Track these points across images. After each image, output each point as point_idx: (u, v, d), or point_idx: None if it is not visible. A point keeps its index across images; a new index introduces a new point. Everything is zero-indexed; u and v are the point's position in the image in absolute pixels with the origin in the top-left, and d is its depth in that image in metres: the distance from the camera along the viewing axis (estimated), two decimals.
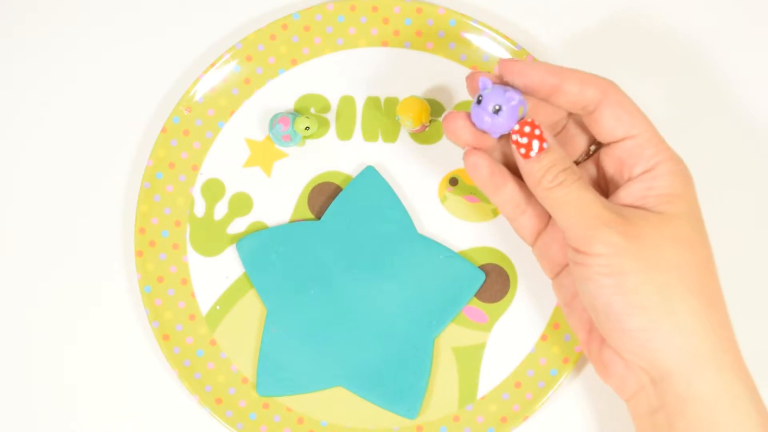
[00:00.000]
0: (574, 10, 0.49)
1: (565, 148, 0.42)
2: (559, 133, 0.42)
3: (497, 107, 0.37)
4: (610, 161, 0.40)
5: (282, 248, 0.47)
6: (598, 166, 0.41)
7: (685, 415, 0.37)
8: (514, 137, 0.38)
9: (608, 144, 0.40)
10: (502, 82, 0.39)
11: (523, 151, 0.38)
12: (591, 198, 0.37)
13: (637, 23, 0.49)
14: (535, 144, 0.37)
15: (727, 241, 0.43)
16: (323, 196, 0.48)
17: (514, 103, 0.37)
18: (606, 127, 0.39)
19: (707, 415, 0.36)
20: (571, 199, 0.37)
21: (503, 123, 0.37)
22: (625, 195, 0.39)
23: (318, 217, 0.48)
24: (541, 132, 0.37)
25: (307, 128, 0.47)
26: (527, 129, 0.37)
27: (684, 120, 0.48)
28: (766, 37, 0.49)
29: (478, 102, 0.38)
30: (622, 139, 0.39)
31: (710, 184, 0.43)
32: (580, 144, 0.42)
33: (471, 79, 0.40)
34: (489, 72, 0.42)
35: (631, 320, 0.36)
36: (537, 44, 0.49)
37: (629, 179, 0.39)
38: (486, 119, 0.37)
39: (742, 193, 0.48)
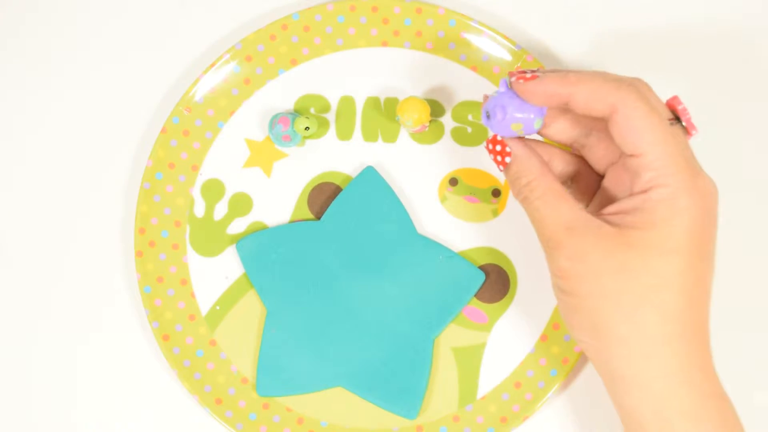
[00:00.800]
0: (574, 9, 0.49)
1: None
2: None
3: (539, 122, 0.39)
4: (622, 172, 0.40)
5: (282, 248, 0.47)
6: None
7: None
8: (489, 147, 0.40)
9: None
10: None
11: (498, 161, 0.40)
12: (549, 215, 0.38)
13: (637, 22, 0.49)
14: (499, 158, 0.40)
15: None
16: (323, 196, 0.48)
17: (531, 116, 0.39)
18: (617, 142, 0.38)
19: None
20: (531, 214, 0.39)
21: (527, 125, 0.39)
22: (617, 207, 0.38)
23: (318, 218, 0.48)
24: (503, 147, 0.39)
25: (307, 128, 0.47)
26: (492, 146, 0.40)
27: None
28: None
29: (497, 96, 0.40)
30: (630, 156, 0.38)
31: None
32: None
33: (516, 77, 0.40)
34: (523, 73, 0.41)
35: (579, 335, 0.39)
36: (537, 44, 0.49)
37: (629, 195, 0.38)
38: (506, 119, 0.39)
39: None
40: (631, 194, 0.38)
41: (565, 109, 0.40)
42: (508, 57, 0.47)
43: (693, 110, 0.48)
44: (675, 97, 0.38)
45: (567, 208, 0.38)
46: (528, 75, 0.39)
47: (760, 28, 0.49)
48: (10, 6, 0.51)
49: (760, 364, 0.48)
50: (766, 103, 0.49)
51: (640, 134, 0.37)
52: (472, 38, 0.48)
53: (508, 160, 0.40)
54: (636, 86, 0.38)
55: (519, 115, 0.39)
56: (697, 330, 0.37)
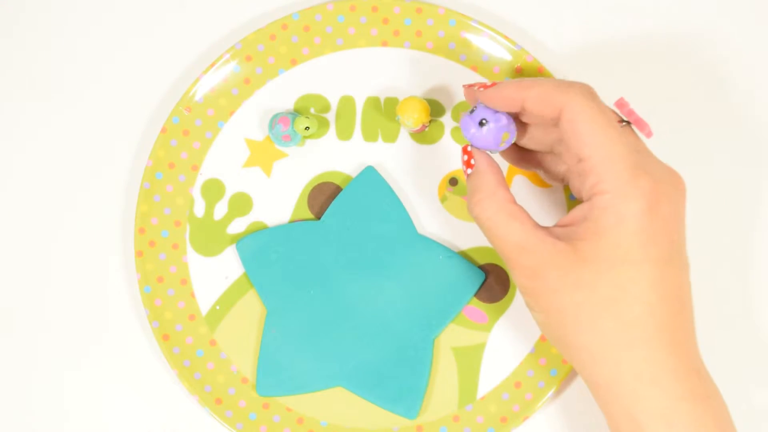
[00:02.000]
0: (574, 9, 0.49)
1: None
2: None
3: (484, 121, 0.40)
4: (576, 179, 0.39)
5: (282, 248, 0.47)
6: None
7: None
8: (463, 156, 0.41)
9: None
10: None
11: (464, 170, 0.41)
12: (500, 235, 0.39)
13: (637, 21, 0.49)
14: (464, 167, 0.41)
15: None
16: (323, 196, 0.48)
17: (501, 123, 0.40)
18: (563, 146, 0.38)
19: None
20: (484, 233, 0.40)
21: (485, 138, 0.40)
22: (566, 219, 0.38)
23: (318, 217, 0.48)
24: (468, 159, 0.41)
25: (307, 128, 0.47)
26: (463, 153, 0.41)
27: (679, 116, 0.49)
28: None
29: (471, 112, 0.41)
30: (578, 161, 0.38)
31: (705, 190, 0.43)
32: None
33: (467, 89, 0.42)
34: (485, 83, 0.42)
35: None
36: (537, 44, 0.49)
37: (579, 204, 0.38)
38: (471, 130, 0.40)
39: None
40: (581, 202, 0.38)
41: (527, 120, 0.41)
42: (508, 57, 0.47)
43: (695, 111, 0.49)
44: (620, 99, 0.38)
45: (517, 228, 0.38)
46: (488, 84, 0.40)
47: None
48: (10, 5, 0.51)
49: (760, 364, 0.48)
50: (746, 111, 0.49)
51: (584, 136, 0.37)
52: (472, 38, 0.48)
53: (468, 171, 0.41)
54: (584, 89, 0.38)
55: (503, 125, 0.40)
56: (666, 332, 0.37)
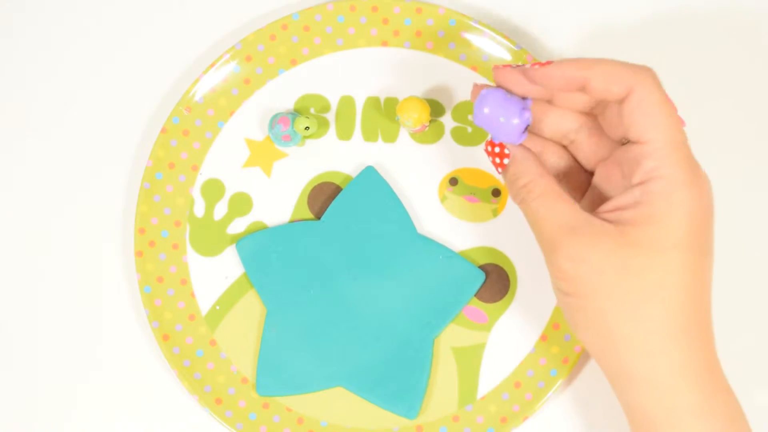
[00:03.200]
0: (574, 9, 0.49)
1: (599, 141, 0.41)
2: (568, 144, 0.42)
3: (502, 119, 0.39)
4: (614, 168, 0.39)
5: (282, 248, 0.47)
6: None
7: None
8: (488, 150, 0.40)
9: (628, 143, 0.38)
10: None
11: (497, 162, 0.41)
12: (548, 216, 0.38)
13: (637, 22, 0.49)
14: (498, 160, 0.40)
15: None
16: (323, 196, 0.48)
17: (524, 117, 0.39)
18: (624, 127, 0.38)
19: None
20: (529, 216, 0.39)
21: (510, 134, 0.39)
22: (614, 204, 0.38)
23: (318, 217, 0.48)
24: (501, 149, 0.40)
25: (307, 128, 0.47)
26: (490, 147, 0.40)
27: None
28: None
29: (482, 100, 0.39)
30: (636, 143, 0.37)
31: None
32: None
33: (503, 70, 0.40)
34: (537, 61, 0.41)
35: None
36: (537, 44, 0.49)
37: (628, 187, 0.38)
38: (500, 122, 0.39)
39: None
40: (630, 187, 0.37)
41: (553, 104, 0.41)
42: (508, 56, 0.47)
43: (698, 107, 0.49)
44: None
45: (566, 209, 0.38)
46: (541, 62, 0.39)
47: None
48: (10, 5, 0.51)
49: (761, 364, 0.48)
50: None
51: (652, 119, 0.36)
52: (472, 38, 0.48)
53: (506, 161, 0.40)
54: (654, 73, 0.37)
55: (521, 118, 0.39)
56: (700, 325, 0.37)
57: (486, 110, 0.39)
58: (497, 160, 0.40)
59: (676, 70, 0.49)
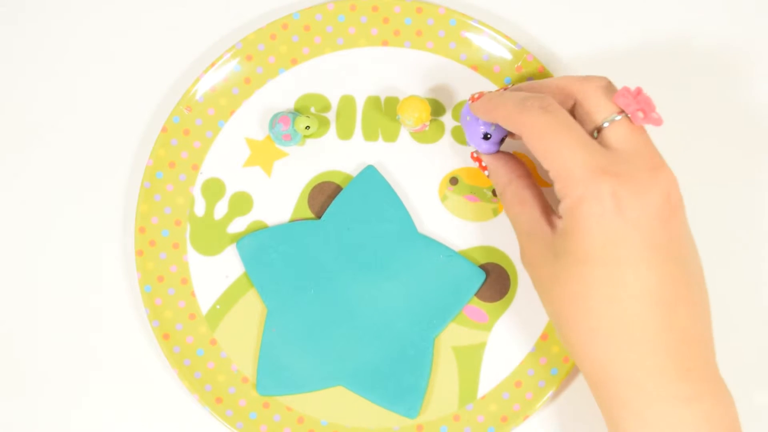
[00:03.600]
0: (574, 9, 0.49)
1: None
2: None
3: (488, 135, 0.43)
4: None
5: (282, 247, 0.47)
6: None
7: None
8: (473, 157, 0.45)
9: None
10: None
11: (482, 170, 0.44)
12: (514, 221, 0.42)
13: (638, 19, 0.49)
14: (482, 171, 0.45)
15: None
16: (323, 195, 0.48)
17: (500, 132, 0.43)
18: None
19: None
20: (509, 216, 0.43)
21: (488, 148, 0.44)
22: (558, 210, 0.39)
23: (318, 217, 0.48)
24: (479, 163, 0.44)
25: (307, 128, 0.47)
26: (473, 157, 0.45)
27: (677, 114, 0.49)
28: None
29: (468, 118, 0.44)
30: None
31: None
32: None
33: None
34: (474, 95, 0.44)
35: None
36: (537, 44, 0.49)
37: None
38: (475, 143, 0.44)
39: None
40: None
41: None
42: (508, 56, 0.47)
43: (693, 110, 0.49)
44: (621, 90, 0.38)
45: (526, 215, 0.41)
46: (476, 96, 0.43)
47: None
48: (10, 4, 0.51)
49: (761, 364, 0.48)
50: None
51: (541, 153, 0.38)
52: (472, 37, 0.48)
53: (486, 173, 0.44)
54: (541, 107, 0.38)
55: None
56: (642, 332, 0.36)
57: (468, 118, 0.44)
58: (485, 172, 0.44)
59: (675, 69, 0.49)
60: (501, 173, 0.43)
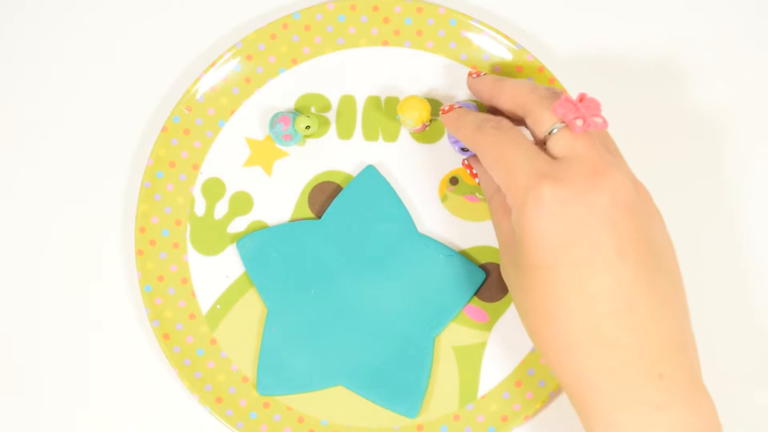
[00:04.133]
0: (574, 8, 0.49)
1: None
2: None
3: (465, 149, 0.46)
4: None
5: (282, 247, 0.47)
6: None
7: None
8: (463, 163, 0.46)
9: None
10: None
11: (473, 177, 0.46)
12: (496, 230, 0.43)
13: (637, 21, 0.49)
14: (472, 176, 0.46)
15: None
16: (324, 195, 0.48)
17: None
18: None
19: None
20: (493, 224, 0.43)
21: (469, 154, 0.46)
22: None
23: (318, 217, 0.48)
24: (470, 170, 0.46)
25: (307, 127, 0.47)
26: (464, 165, 0.46)
27: (675, 115, 0.49)
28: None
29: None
30: None
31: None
32: None
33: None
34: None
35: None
36: (537, 43, 0.49)
37: None
38: (457, 148, 0.47)
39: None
40: None
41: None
42: (508, 56, 0.47)
43: (692, 108, 0.49)
44: (556, 104, 0.38)
45: (506, 224, 0.41)
46: (446, 109, 0.45)
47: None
48: (10, 4, 0.51)
49: (761, 364, 0.48)
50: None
51: (492, 168, 0.39)
52: (472, 37, 0.48)
53: (477, 180, 0.45)
54: (474, 123, 0.41)
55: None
56: (601, 335, 0.36)
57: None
58: (471, 173, 0.46)
59: (673, 66, 0.49)
60: (489, 182, 0.44)
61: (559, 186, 0.36)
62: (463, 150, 0.46)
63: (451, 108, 0.45)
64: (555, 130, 0.38)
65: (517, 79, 0.43)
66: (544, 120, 0.39)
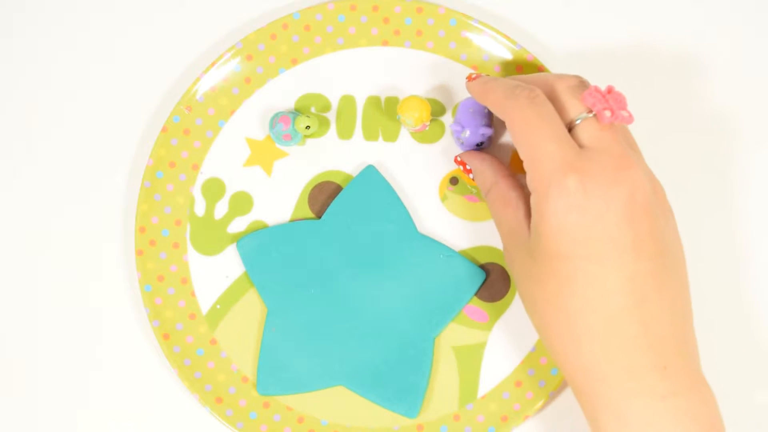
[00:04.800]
0: (574, 9, 0.49)
1: None
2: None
3: (467, 133, 0.46)
4: None
5: (282, 247, 0.47)
6: None
7: None
8: (456, 160, 0.46)
9: None
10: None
11: (467, 173, 0.46)
12: (498, 221, 0.42)
13: (636, 20, 0.49)
14: (467, 174, 0.46)
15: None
16: (324, 195, 0.48)
17: (477, 131, 0.46)
18: None
19: None
20: (493, 217, 0.43)
21: (468, 143, 0.46)
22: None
23: (318, 217, 0.48)
24: (464, 166, 0.46)
25: (307, 127, 0.47)
26: (457, 161, 0.46)
27: (674, 114, 0.49)
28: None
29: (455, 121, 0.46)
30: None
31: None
32: None
33: (469, 81, 0.45)
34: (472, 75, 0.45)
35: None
36: (537, 43, 0.49)
37: None
38: (456, 138, 0.47)
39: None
40: None
41: None
42: (508, 56, 0.47)
43: (690, 109, 0.49)
44: (586, 93, 0.39)
45: (510, 214, 0.41)
46: (473, 76, 0.44)
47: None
48: (11, 3, 0.51)
49: (761, 364, 0.48)
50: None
51: (517, 142, 0.39)
52: (472, 37, 0.48)
53: (471, 176, 0.45)
54: (527, 98, 0.39)
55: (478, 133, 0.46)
56: (613, 327, 0.37)
57: (455, 116, 0.46)
58: (470, 175, 0.46)
59: (673, 65, 0.49)
60: (487, 174, 0.44)
61: (585, 178, 0.37)
62: (479, 144, 0.46)
63: (479, 76, 0.44)
64: (580, 120, 0.38)
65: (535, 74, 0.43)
66: (570, 107, 0.39)
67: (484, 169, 0.44)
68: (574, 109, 0.39)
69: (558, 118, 0.38)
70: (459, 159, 0.46)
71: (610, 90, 0.39)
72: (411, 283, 0.47)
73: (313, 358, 0.47)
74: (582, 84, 0.40)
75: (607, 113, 0.38)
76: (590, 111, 0.39)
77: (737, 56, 0.49)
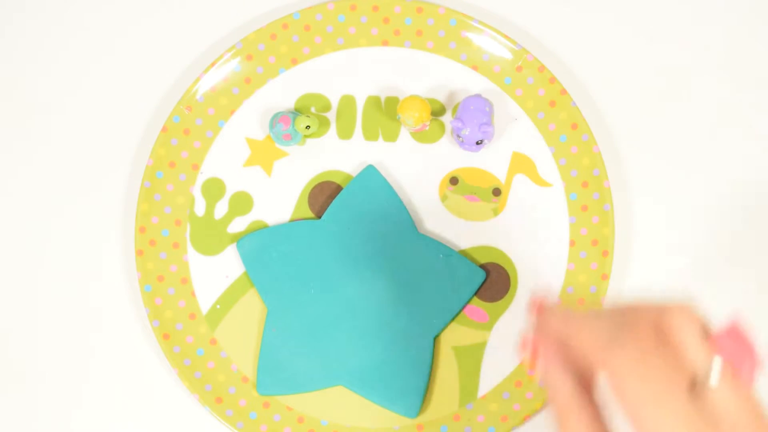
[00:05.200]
0: (574, 9, 0.49)
1: None
2: None
3: (467, 130, 0.46)
4: None
5: (282, 247, 0.47)
6: None
7: None
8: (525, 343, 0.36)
9: None
10: None
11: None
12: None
13: (635, 20, 0.49)
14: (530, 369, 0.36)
15: None
16: (324, 195, 0.48)
17: (476, 135, 0.46)
18: None
19: None
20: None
21: (468, 141, 0.47)
22: None
23: (318, 216, 0.48)
24: (533, 355, 0.35)
25: (307, 127, 0.47)
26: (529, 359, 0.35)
27: (673, 114, 0.49)
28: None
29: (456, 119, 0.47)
30: None
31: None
32: None
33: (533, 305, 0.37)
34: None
35: None
36: (537, 44, 0.49)
37: None
38: (456, 136, 0.47)
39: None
40: None
41: None
42: (508, 56, 0.47)
43: (689, 109, 0.49)
44: (719, 335, 0.29)
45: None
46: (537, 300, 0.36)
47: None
48: (11, 3, 0.51)
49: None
50: None
51: (631, 414, 0.30)
52: (472, 37, 0.48)
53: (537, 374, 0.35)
54: (632, 353, 0.30)
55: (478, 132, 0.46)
56: None
57: (456, 113, 0.46)
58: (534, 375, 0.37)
59: (674, 65, 0.49)
60: (563, 386, 0.33)
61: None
62: (479, 142, 0.45)
63: (546, 302, 0.35)
64: (712, 379, 0.28)
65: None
66: (692, 356, 0.29)
67: (560, 375, 0.33)
68: (701, 358, 0.28)
69: (682, 385, 0.29)
70: (527, 340, 0.35)
71: (736, 330, 0.29)
72: (411, 283, 0.47)
73: (312, 358, 0.47)
74: (696, 320, 0.29)
75: (747, 367, 0.28)
76: (723, 363, 0.28)
77: (736, 60, 0.49)
